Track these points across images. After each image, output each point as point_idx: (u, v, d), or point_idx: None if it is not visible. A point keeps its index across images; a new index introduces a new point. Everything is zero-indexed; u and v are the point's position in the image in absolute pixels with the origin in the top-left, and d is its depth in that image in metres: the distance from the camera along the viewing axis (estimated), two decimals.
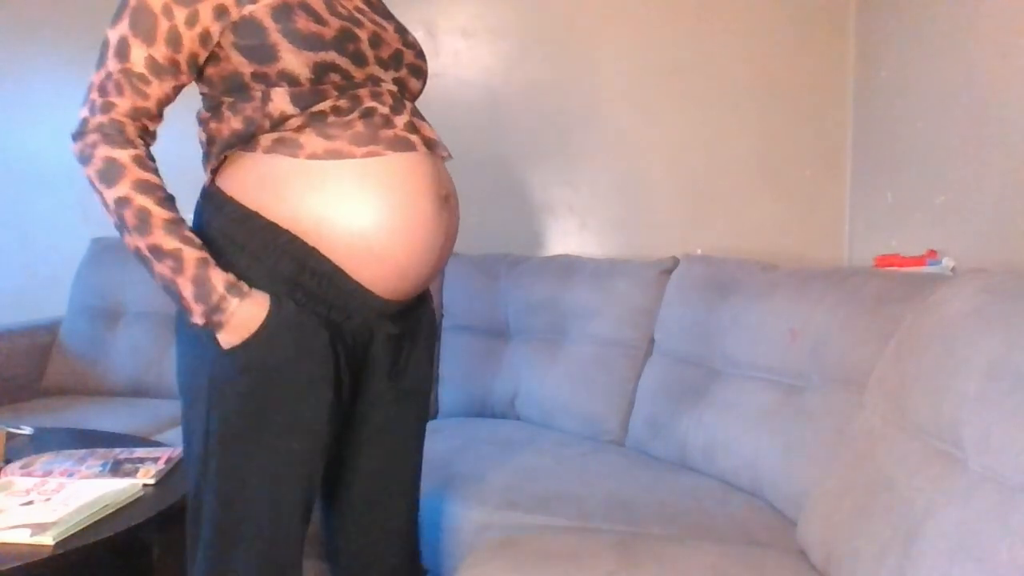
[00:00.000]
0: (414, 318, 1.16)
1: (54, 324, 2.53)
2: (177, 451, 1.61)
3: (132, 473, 1.46)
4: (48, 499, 1.31)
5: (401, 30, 1.10)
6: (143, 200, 0.94)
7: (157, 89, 0.97)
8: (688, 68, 2.46)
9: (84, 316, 2.52)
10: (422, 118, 1.09)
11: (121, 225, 0.96)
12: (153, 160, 1.00)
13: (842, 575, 1.09)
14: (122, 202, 0.95)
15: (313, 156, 0.97)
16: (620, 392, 2.03)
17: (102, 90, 0.97)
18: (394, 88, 1.05)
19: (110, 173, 0.96)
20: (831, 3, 2.39)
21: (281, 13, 0.94)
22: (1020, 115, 1.57)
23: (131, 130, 0.97)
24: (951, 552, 0.88)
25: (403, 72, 1.07)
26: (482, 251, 2.46)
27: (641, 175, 2.52)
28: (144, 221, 0.94)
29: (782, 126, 2.43)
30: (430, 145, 1.06)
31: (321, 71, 0.95)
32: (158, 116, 1.01)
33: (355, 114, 0.99)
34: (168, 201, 0.97)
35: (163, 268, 0.94)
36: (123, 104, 0.97)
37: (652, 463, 1.81)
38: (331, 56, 0.95)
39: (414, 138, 1.03)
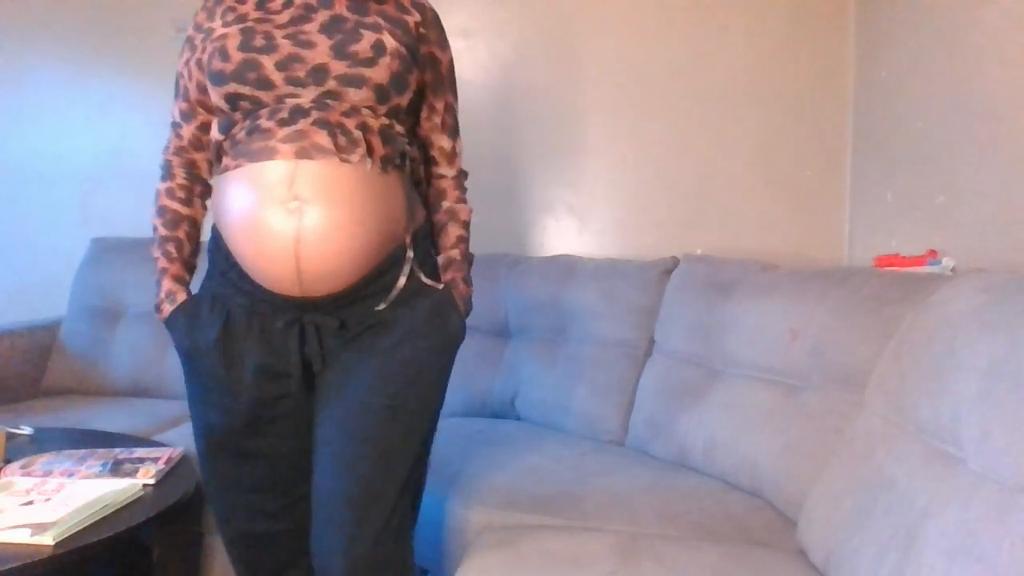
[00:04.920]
0: (348, 315, 1.18)
1: (54, 324, 2.53)
2: (177, 451, 1.61)
3: (132, 473, 1.46)
4: (48, 499, 1.31)
5: (345, 43, 1.12)
6: (156, 220, 1.29)
7: (187, 131, 1.29)
8: (688, 68, 2.46)
9: (84, 316, 2.52)
10: (339, 126, 1.11)
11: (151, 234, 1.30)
12: (186, 189, 1.30)
13: (842, 575, 1.09)
14: (152, 220, 1.30)
15: (221, 171, 1.19)
16: (620, 392, 2.03)
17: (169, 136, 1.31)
18: (304, 103, 1.12)
19: (154, 200, 1.30)
20: (831, 3, 2.39)
21: (209, 58, 1.16)
22: (1020, 115, 1.57)
23: (177, 167, 1.30)
24: (951, 552, 0.88)
25: (331, 85, 1.12)
26: (482, 251, 2.44)
27: (641, 175, 2.52)
28: (153, 236, 1.29)
29: (782, 126, 2.43)
30: (309, 152, 1.09)
31: (232, 100, 1.14)
32: (196, 150, 1.30)
33: (243, 132, 1.14)
34: (172, 222, 1.28)
35: (155, 273, 1.28)
36: (171, 146, 1.30)
37: (652, 463, 1.81)
38: (233, 87, 1.13)
39: (285, 147, 1.10)
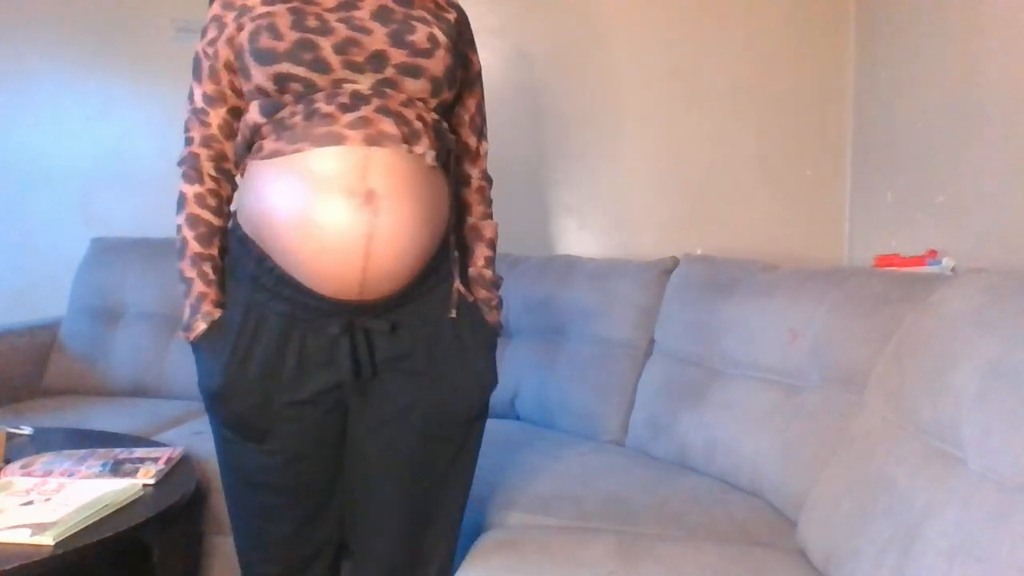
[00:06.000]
0: (402, 317, 1.13)
1: (54, 324, 2.53)
2: (177, 451, 1.61)
3: (132, 473, 1.46)
4: (48, 499, 1.31)
5: (401, 32, 1.09)
6: (187, 231, 1.14)
7: (215, 117, 1.16)
8: (688, 68, 2.46)
9: (84, 316, 2.52)
10: (399, 115, 1.06)
11: (175, 245, 1.16)
12: (217, 196, 1.16)
13: (842, 575, 1.09)
14: (177, 228, 1.15)
15: (265, 157, 1.07)
16: (620, 392, 2.03)
17: (185, 128, 1.18)
18: (363, 89, 1.06)
19: (178, 204, 1.16)
20: (831, 3, 2.39)
21: (253, 36, 1.07)
22: (1020, 115, 1.57)
23: (206, 162, 1.16)
24: (951, 552, 0.88)
25: (389, 73, 1.07)
26: None
27: (641, 175, 2.51)
28: (182, 248, 1.14)
29: (782, 126, 2.43)
30: (377, 140, 1.04)
31: (281, 81, 1.05)
32: (226, 137, 1.17)
33: (299, 116, 1.05)
34: (207, 236, 1.14)
35: (181, 288, 1.15)
36: (196, 135, 1.17)
37: (652, 463, 1.81)
38: (285, 67, 1.04)
39: (353, 133, 1.03)
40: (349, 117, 1.04)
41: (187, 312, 1.13)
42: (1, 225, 2.75)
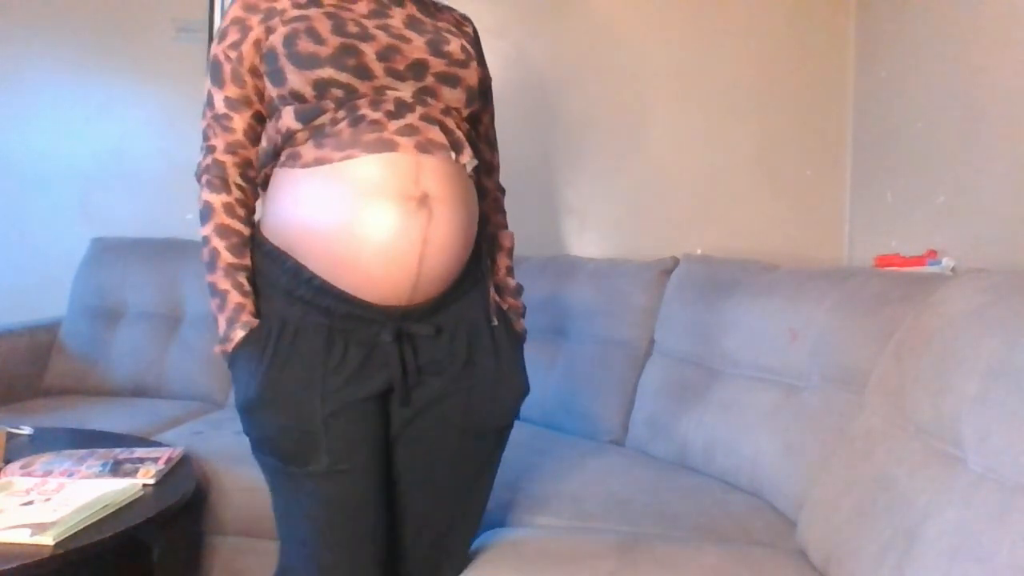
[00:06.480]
0: (445, 320, 1.12)
1: (54, 324, 2.53)
2: (177, 451, 1.61)
3: (132, 473, 1.46)
4: (48, 499, 1.31)
5: (438, 42, 1.09)
6: (217, 242, 1.09)
7: (240, 122, 1.11)
8: (688, 68, 2.46)
9: (84, 316, 2.52)
10: (442, 124, 1.07)
11: (204, 258, 1.11)
12: (246, 206, 1.13)
13: (842, 575, 1.09)
14: (205, 240, 1.10)
15: (305, 165, 1.04)
16: (620, 392, 2.03)
17: (204, 136, 1.13)
18: (404, 95, 1.06)
19: (204, 214, 1.11)
20: (831, 3, 2.39)
21: (289, 39, 1.03)
22: (1020, 115, 1.57)
23: (232, 169, 1.11)
24: (951, 552, 0.88)
25: (429, 81, 1.07)
26: None
27: (641, 175, 2.51)
28: (212, 260, 1.09)
29: (782, 126, 2.43)
30: (427, 147, 1.04)
31: (322, 87, 1.02)
32: (252, 143, 1.13)
33: (344, 122, 1.03)
34: (240, 246, 1.10)
35: (214, 302, 1.09)
36: (219, 143, 1.11)
37: (652, 463, 1.81)
38: (328, 72, 1.02)
39: (404, 140, 1.03)
40: (397, 124, 1.03)
41: (223, 325, 1.07)
42: (1, 225, 2.75)
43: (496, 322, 1.17)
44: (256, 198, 1.15)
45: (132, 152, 2.70)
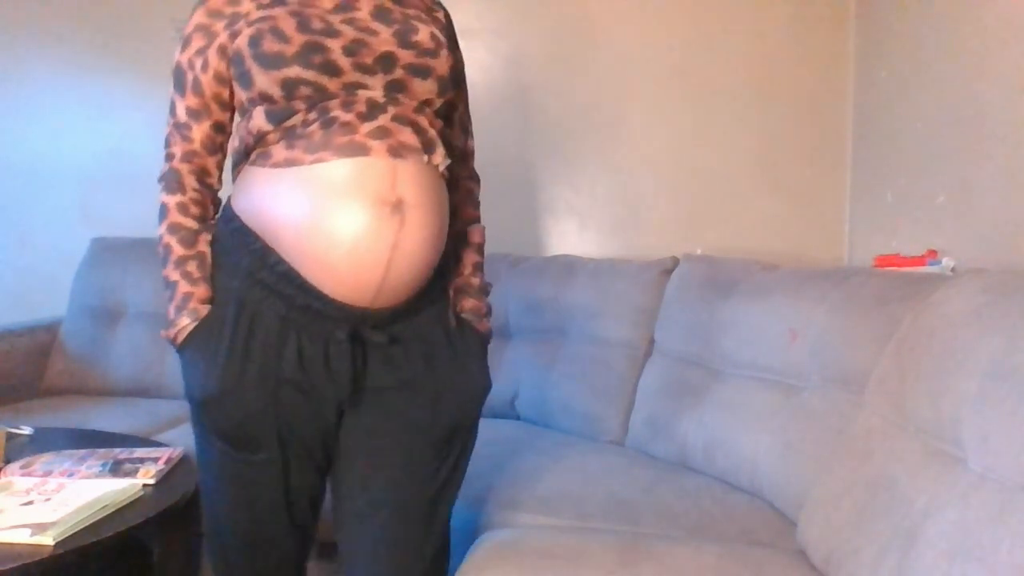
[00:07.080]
0: (402, 331, 1.12)
1: (54, 324, 2.53)
2: (177, 451, 1.61)
3: (132, 473, 1.46)
4: (48, 499, 1.31)
5: (405, 32, 1.08)
6: (169, 238, 1.12)
7: (198, 132, 1.14)
8: (688, 68, 2.46)
9: (84, 316, 2.52)
10: (414, 124, 1.07)
11: (158, 255, 1.14)
12: (200, 205, 1.15)
13: (842, 575, 1.09)
14: (159, 238, 1.14)
15: (276, 165, 1.05)
16: (620, 392, 2.03)
17: (166, 143, 1.16)
18: (376, 94, 1.05)
19: (160, 214, 1.15)
20: (831, 3, 2.39)
21: (254, 40, 1.04)
22: (1020, 115, 1.57)
23: (187, 177, 1.14)
24: (951, 552, 0.88)
25: (398, 74, 1.06)
26: None
27: (641, 175, 2.52)
28: (166, 256, 1.12)
29: (782, 126, 2.43)
30: (400, 151, 1.04)
31: (290, 87, 1.02)
32: (209, 153, 1.16)
33: (316, 124, 1.03)
34: (190, 237, 1.12)
35: (166, 294, 1.12)
36: (177, 151, 1.14)
37: (652, 463, 1.81)
38: (295, 71, 1.02)
39: (376, 143, 1.03)
40: (369, 126, 1.03)
41: (171, 312, 1.10)
42: (1, 225, 2.75)
43: (453, 322, 1.18)
44: (213, 200, 1.18)
45: (132, 152, 2.69)
